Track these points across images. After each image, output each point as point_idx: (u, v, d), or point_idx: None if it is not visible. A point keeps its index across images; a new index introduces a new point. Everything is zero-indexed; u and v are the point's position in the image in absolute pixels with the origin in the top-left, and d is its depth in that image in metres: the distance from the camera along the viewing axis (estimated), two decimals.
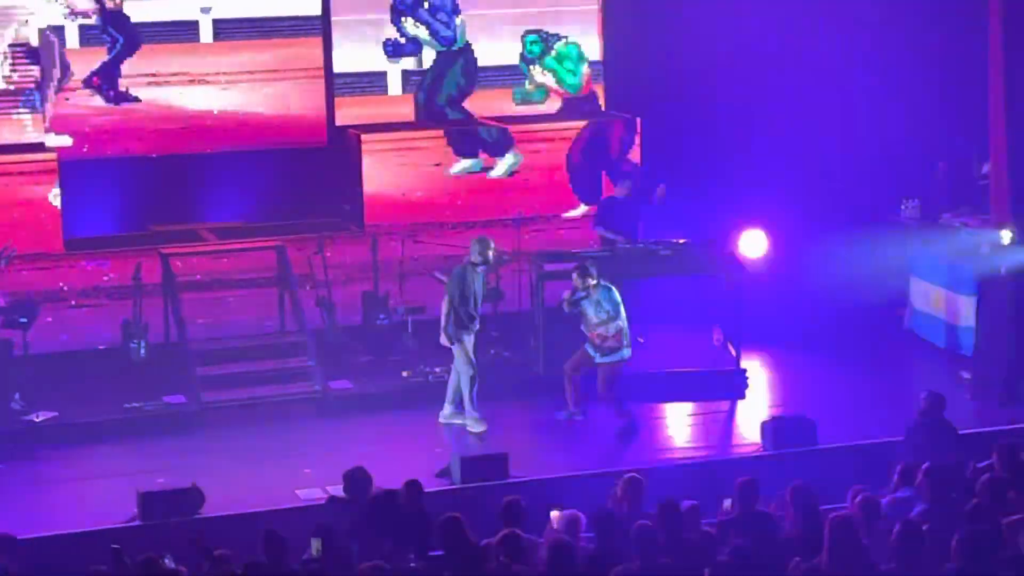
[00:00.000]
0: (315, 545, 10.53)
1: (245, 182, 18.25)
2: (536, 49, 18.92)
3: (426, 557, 10.62)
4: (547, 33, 18.97)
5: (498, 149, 18.37)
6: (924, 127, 19.08)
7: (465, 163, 18.21)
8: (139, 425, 15.00)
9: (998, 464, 11.43)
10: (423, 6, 18.52)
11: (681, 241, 16.51)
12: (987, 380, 15.45)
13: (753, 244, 16.66)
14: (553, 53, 18.98)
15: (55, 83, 17.59)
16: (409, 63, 18.67)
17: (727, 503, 11.16)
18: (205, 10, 18.03)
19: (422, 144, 18.21)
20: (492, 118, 18.66)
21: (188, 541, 10.72)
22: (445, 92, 18.82)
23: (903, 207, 18.70)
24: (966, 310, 16.40)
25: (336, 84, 18.53)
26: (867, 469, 12.42)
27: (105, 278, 16.93)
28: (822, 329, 17.16)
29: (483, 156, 18.33)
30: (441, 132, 18.28)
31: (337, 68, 18.49)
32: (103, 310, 16.76)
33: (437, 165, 18.14)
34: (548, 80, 19.04)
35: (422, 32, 18.59)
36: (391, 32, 18.59)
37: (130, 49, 17.81)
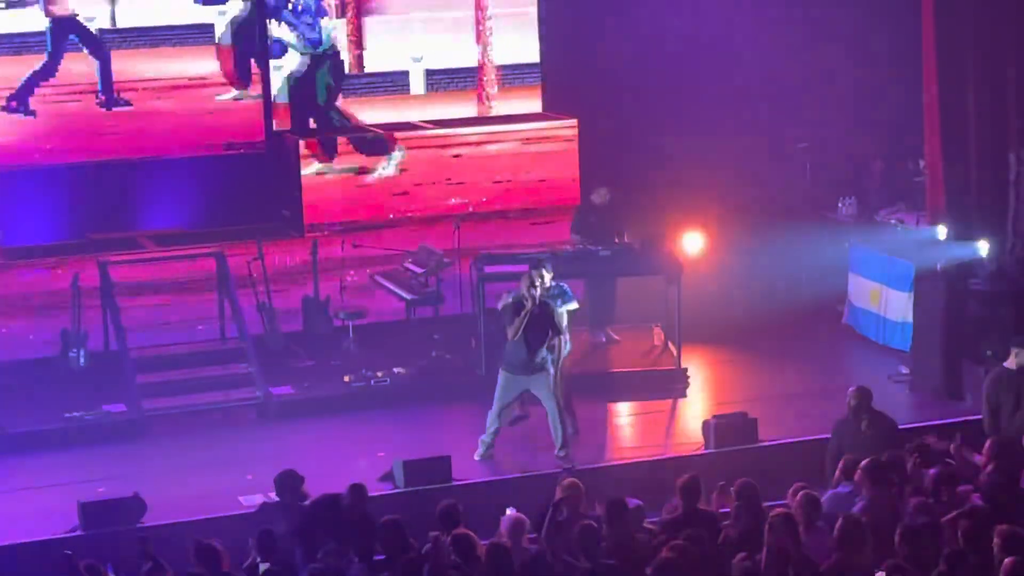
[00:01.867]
0: (261, 569, 10.47)
1: (183, 188, 18.18)
2: None
3: (369, 561, 10.61)
4: None
5: (379, 150, 18.36)
6: (859, 125, 19.23)
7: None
8: (79, 434, 14.89)
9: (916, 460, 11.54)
10: (287, 8, 18.49)
11: (620, 241, 16.55)
12: (924, 375, 15.57)
13: (692, 243, 16.73)
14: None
15: None
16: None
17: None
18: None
19: None
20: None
21: (136, 542, 10.66)
22: (321, 95, 18.80)
23: (840, 205, 18.86)
24: (902, 306, 16.53)
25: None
26: (810, 466, 12.51)
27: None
28: (762, 327, 17.23)
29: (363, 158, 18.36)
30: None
31: None
32: (42, 319, 16.63)
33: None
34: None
35: (286, 33, 18.59)
36: None
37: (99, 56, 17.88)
